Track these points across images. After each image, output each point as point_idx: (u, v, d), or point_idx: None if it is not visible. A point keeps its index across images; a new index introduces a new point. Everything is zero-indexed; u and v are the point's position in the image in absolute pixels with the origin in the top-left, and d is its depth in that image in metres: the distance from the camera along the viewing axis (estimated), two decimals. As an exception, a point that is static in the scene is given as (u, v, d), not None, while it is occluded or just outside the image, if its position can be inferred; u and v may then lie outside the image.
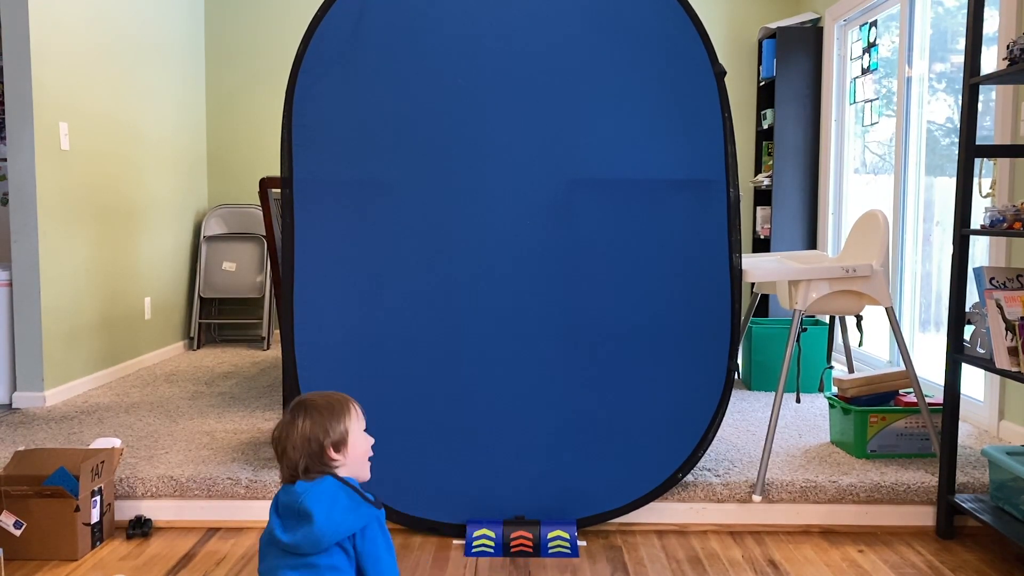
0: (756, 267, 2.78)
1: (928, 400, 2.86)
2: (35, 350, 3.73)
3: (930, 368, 3.76)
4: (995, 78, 2.43)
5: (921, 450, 2.92)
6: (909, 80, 4.05)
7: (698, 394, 2.59)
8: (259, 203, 3.94)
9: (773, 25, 5.14)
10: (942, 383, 2.66)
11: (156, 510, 2.66)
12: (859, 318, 2.95)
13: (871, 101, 4.56)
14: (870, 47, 4.52)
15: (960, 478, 2.66)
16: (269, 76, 5.57)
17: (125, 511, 2.64)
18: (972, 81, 2.44)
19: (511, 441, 2.57)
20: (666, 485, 2.58)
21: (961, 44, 3.10)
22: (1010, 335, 2.33)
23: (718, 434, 3.17)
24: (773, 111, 5.12)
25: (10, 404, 3.75)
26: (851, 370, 3.31)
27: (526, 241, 2.58)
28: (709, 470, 2.75)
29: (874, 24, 4.49)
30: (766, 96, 5.39)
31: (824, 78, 5.03)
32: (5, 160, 4.63)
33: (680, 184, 2.59)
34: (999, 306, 2.37)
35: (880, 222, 2.87)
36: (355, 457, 1.76)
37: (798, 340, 2.81)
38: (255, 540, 2.54)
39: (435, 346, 2.58)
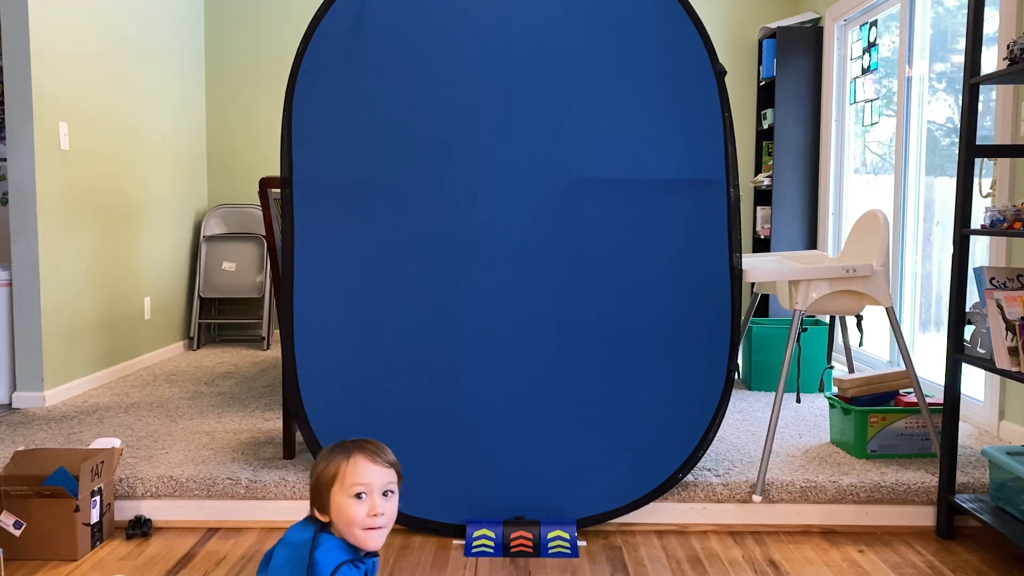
0: (756, 267, 2.78)
1: (928, 400, 2.86)
2: (35, 350, 3.73)
3: (930, 368, 3.75)
4: (995, 78, 2.43)
5: (921, 450, 2.92)
6: (909, 80, 4.05)
7: (698, 394, 2.59)
8: (259, 203, 3.93)
9: (773, 25, 5.14)
10: (942, 383, 2.66)
11: (156, 510, 2.66)
12: (859, 318, 2.95)
13: (871, 101, 4.56)
14: (870, 47, 4.52)
15: (960, 478, 2.66)
16: (269, 76, 5.57)
17: (125, 511, 2.64)
18: (972, 81, 2.44)
19: (511, 441, 2.57)
20: (666, 485, 2.58)
21: (961, 44, 3.10)
22: (1010, 335, 2.33)
23: (718, 434, 3.17)
24: (773, 111, 5.12)
25: (10, 404, 3.74)
26: (851, 370, 3.31)
27: (526, 241, 2.58)
28: (709, 470, 2.75)
29: (874, 24, 4.49)
30: (766, 96, 5.39)
31: (824, 78, 5.03)
32: (5, 160, 4.63)
33: (680, 184, 2.59)
34: (999, 306, 2.37)
35: (880, 222, 2.87)
36: (341, 525, 1.58)
37: (798, 340, 2.80)
38: (255, 540, 2.54)
39: (435, 346, 2.58)
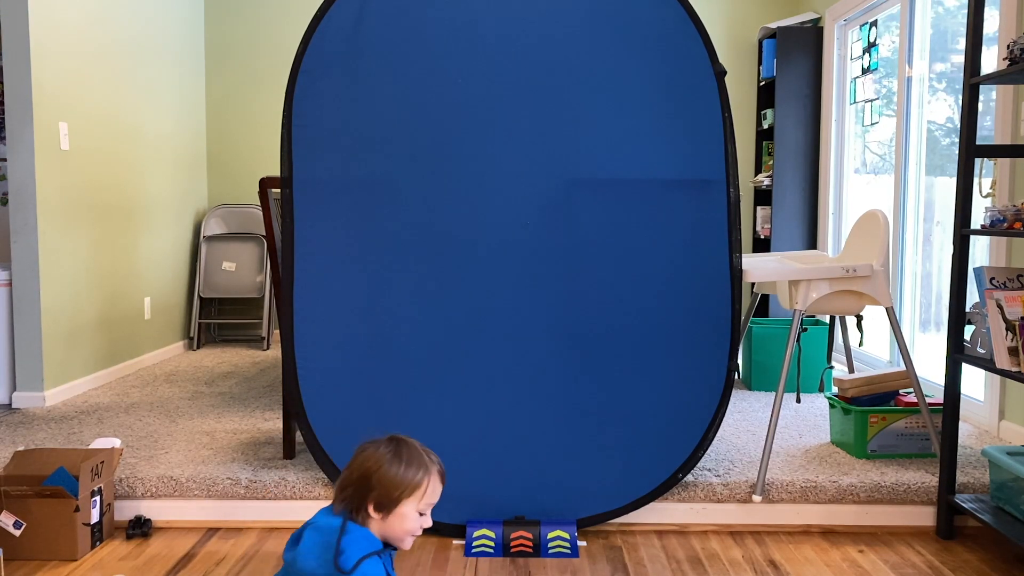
0: (756, 267, 2.78)
1: (928, 400, 2.86)
2: (35, 350, 3.73)
3: (930, 368, 3.75)
4: (995, 78, 2.43)
5: (921, 450, 2.92)
6: (909, 80, 4.05)
7: (698, 394, 2.59)
8: (259, 203, 3.93)
9: (773, 25, 5.14)
10: (942, 383, 2.66)
11: (156, 510, 2.66)
12: (859, 318, 2.95)
13: (871, 101, 4.56)
14: (870, 47, 4.52)
15: (960, 478, 2.66)
16: (269, 76, 5.57)
17: (125, 511, 2.64)
18: (972, 81, 2.44)
19: (511, 441, 2.57)
20: (666, 485, 2.58)
21: (961, 44, 3.10)
22: (1010, 335, 2.33)
23: (718, 434, 3.17)
24: (773, 111, 5.12)
25: (10, 404, 3.74)
26: (851, 370, 3.31)
27: (526, 240, 2.58)
28: (709, 470, 2.75)
29: (874, 24, 4.49)
30: (766, 96, 5.39)
31: (824, 78, 5.03)
32: (5, 160, 4.63)
33: (680, 184, 2.59)
34: (999, 306, 2.37)
35: (880, 222, 2.87)
36: (392, 528, 1.67)
37: (798, 340, 2.80)
38: (255, 540, 2.55)
39: (435, 346, 2.58)
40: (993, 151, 2.60)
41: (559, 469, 2.57)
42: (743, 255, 2.84)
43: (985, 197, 3.19)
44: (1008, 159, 3.11)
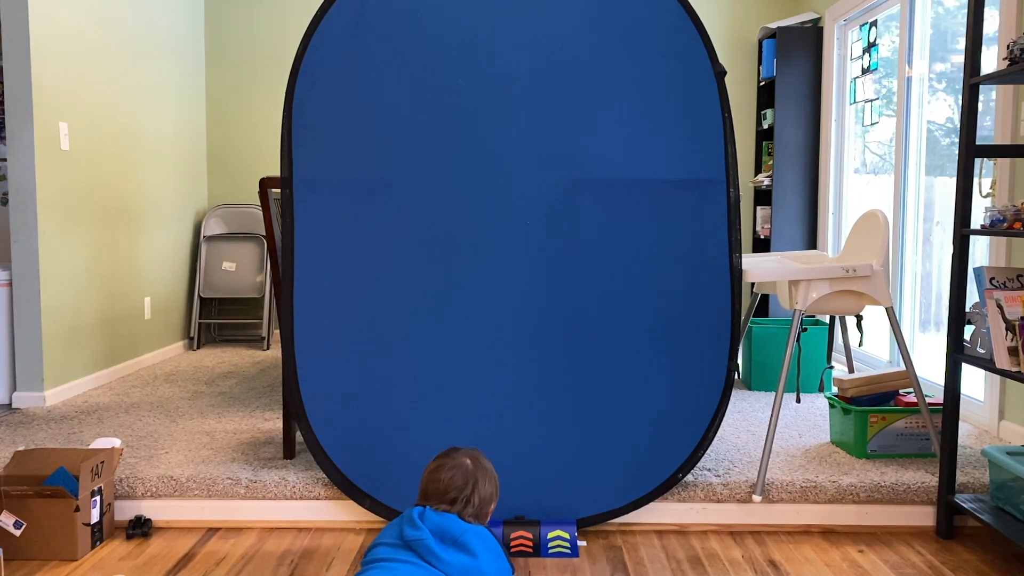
0: (756, 267, 2.78)
1: (928, 400, 2.86)
2: (35, 350, 3.73)
3: (930, 368, 3.76)
4: (995, 78, 2.43)
5: (921, 450, 2.92)
6: (909, 80, 4.05)
7: (698, 394, 2.59)
8: (259, 203, 3.93)
9: (773, 25, 5.14)
10: (942, 383, 2.66)
11: (156, 510, 2.66)
12: (859, 318, 2.95)
13: (871, 101, 4.56)
14: (870, 47, 4.52)
15: (960, 478, 2.66)
16: (269, 76, 5.57)
17: (125, 511, 2.64)
18: (972, 81, 2.44)
19: (511, 441, 2.57)
20: (666, 485, 2.58)
21: (961, 44, 3.10)
22: (1010, 335, 2.33)
23: (718, 434, 3.17)
24: (773, 111, 5.12)
25: (10, 404, 3.75)
26: (851, 370, 3.31)
27: (526, 240, 2.58)
28: (709, 470, 2.75)
29: (874, 24, 4.49)
30: (766, 96, 5.39)
31: (824, 78, 5.03)
32: (5, 160, 4.64)
33: (680, 184, 2.59)
34: (999, 306, 2.37)
35: (880, 222, 2.87)
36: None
37: (798, 340, 2.81)
38: (255, 540, 2.55)
39: (435, 346, 2.58)
40: (993, 151, 2.60)
41: (559, 469, 2.57)
42: (743, 255, 2.84)
43: (985, 197, 3.19)
44: (1008, 159, 3.11)
